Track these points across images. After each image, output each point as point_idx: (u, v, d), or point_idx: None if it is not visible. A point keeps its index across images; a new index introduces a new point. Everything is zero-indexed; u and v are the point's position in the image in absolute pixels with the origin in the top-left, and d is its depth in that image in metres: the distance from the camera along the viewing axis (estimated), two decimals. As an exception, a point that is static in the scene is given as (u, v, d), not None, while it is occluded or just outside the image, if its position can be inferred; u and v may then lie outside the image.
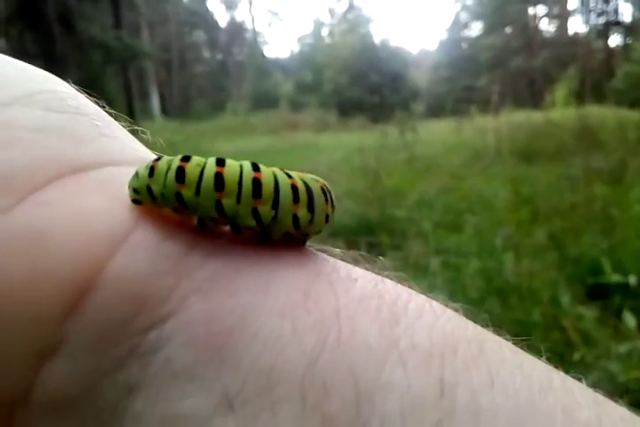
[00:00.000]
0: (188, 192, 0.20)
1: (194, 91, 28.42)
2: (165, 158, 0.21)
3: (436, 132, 9.83)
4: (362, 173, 4.89)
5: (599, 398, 0.19)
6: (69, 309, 0.18)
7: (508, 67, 20.91)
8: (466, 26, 26.44)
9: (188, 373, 0.18)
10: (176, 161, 0.21)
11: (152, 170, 0.21)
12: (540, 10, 24.84)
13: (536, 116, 7.50)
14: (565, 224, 3.02)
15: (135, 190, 0.21)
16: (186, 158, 0.21)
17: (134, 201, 0.21)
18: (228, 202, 0.21)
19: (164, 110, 24.31)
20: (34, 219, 0.19)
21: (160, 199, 0.21)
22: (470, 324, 0.20)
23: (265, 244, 0.22)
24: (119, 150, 0.23)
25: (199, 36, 32.18)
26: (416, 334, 0.18)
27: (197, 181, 0.21)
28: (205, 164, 0.21)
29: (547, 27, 25.87)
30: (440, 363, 0.17)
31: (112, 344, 0.18)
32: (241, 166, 0.21)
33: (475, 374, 0.17)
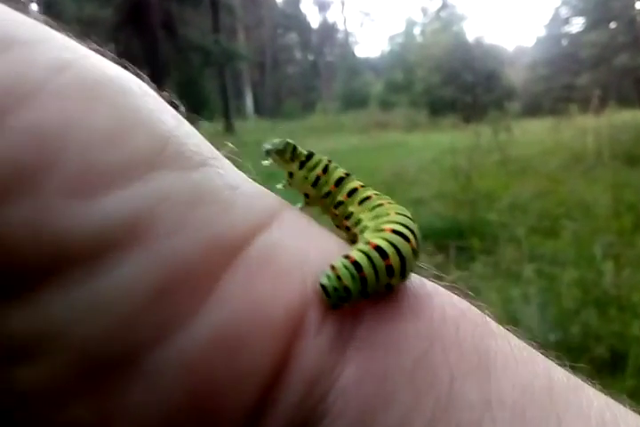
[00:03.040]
0: (396, 280, 0.22)
1: (286, 91, 28.96)
2: (364, 264, 0.21)
3: (532, 133, 9.49)
4: (453, 175, 4.79)
5: None
6: (264, 400, 0.19)
7: (612, 64, 19.83)
8: (566, 21, 25.27)
9: None
10: (380, 263, 0.21)
11: (364, 281, 0.21)
12: (649, 3, 23.37)
13: (642, 117, 7.07)
14: (673, 233, 2.83)
15: (342, 298, 0.21)
16: (384, 255, 0.22)
17: (335, 306, 0.21)
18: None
19: (257, 110, 24.93)
20: (224, 319, 0.19)
21: (372, 296, 0.22)
22: (544, 367, 0.23)
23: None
24: (252, 208, 0.22)
25: (292, 37, 32.74)
26: (503, 391, 0.21)
27: (401, 268, 0.22)
28: (397, 247, 0.22)
29: (656, 21, 24.33)
30: (521, 419, 0.20)
31: (294, 419, 0.20)
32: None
33: (546, 424, 0.20)
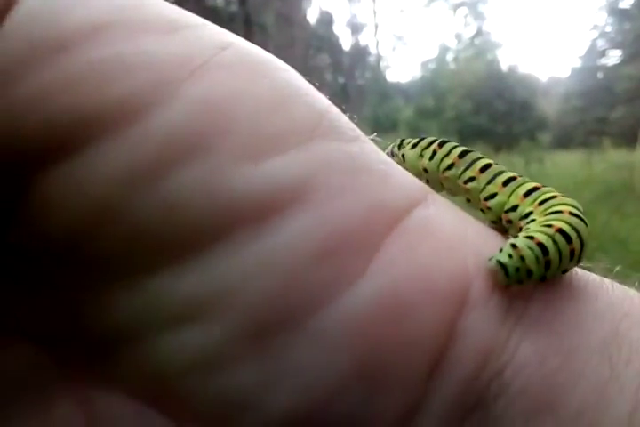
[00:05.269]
0: (573, 265, 0.21)
1: (314, 112, 28.92)
2: (550, 247, 0.20)
3: (564, 165, 9.25)
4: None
5: None
6: (432, 370, 0.19)
7: (649, 98, 19.49)
8: (603, 54, 24.92)
9: (524, 414, 0.19)
10: (565, 247, 0.20)
11: (548, 265, 0.20)
12: (689, 38, 23.06)
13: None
14: None
15: (520, 280, 0.20)
16: (569, 239, 0.21)
17: (508, 285, 0.20)
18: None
19: (284, 130, 24.85)
20: (388, 283, 0.19)
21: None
22: None
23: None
24: (407, 183, 0.22)
25: (323, 59, 32.96)
26: None
27: (580, 252, 0.21)
28: (578, 231, 0.21)
29: (695, 57, 24.00)
30: None
31: (463, 398, 0.19)
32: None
33: None
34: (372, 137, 0.23)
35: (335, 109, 0.21)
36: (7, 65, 0.16)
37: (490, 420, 0.19)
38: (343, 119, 0.21)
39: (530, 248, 0.20)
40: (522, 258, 0.19)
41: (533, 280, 0.20)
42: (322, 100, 0.21)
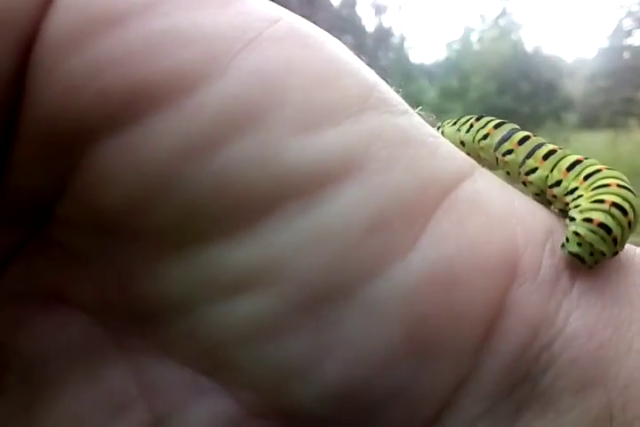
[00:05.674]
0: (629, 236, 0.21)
1: (337, 94, 28.71)
2: (612, 224, 0.20)
3: (590, 146, 9.25)
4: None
5: None
6: (482, 344, 0.19)
7: (677, 78, 19.09)
8: (629, 34, 24.18)
9: (572, 387, 0.18)
10: (624, 220, 0.20)
11: (615, 242, 0.20)
12: None
13: None
14: None
15: (597, 261, 0.20)
16: (624, 212, 0.21)
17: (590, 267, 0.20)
18: None
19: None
20: (439, 255, 0.18)
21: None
22: None
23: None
24: (455, 156, 0.21)
25: (346, 40, 32.46)
26: None
27: (635, 223, 0.21)
28: (630, 203, 0.21)
29: None
30: None
31: (512, 371, 0.19)
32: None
33: None
34: (417, 111, 0.23)
35: (384, 83, 0.21)
36: (64, 37, 0.16)
37: (537, 393, 0.19)
38: (392, 93, 0.21)
39: (592, 231, 0.20)
40: (590, 244, 0.20)
41: (608, 257, 0.20)
42: (371, 74, 0.21)
